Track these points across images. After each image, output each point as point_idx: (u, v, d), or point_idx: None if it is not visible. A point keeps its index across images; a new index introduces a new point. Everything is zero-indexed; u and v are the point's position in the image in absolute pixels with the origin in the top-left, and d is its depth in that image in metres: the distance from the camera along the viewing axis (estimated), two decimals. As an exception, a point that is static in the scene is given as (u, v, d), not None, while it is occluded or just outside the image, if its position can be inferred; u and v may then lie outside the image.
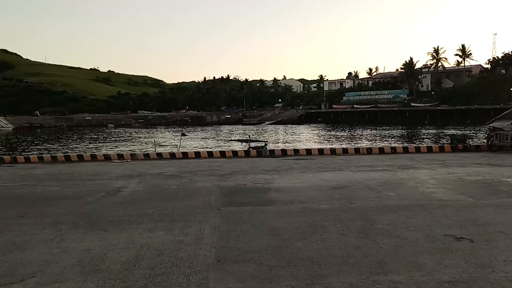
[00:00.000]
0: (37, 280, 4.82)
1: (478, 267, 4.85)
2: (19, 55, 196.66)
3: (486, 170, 12.94)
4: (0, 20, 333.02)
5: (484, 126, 35.34)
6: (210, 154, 20.06)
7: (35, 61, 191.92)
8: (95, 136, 59.75)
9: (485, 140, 21.39)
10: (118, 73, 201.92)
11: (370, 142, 41.66)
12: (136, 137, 58.70)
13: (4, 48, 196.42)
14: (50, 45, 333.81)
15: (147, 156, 19.82)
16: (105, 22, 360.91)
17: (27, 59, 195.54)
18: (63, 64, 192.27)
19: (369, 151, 20.22)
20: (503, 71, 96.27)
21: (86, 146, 42.20)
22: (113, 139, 55.01)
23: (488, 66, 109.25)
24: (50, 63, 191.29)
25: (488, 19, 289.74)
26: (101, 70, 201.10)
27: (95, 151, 33.81)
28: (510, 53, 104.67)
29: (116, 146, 41.39)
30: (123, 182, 11.99)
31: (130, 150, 31.81)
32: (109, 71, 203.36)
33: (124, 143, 47.19)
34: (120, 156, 19.60)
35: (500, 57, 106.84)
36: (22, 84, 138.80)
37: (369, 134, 57.15)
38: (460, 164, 14.39)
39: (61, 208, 8.61)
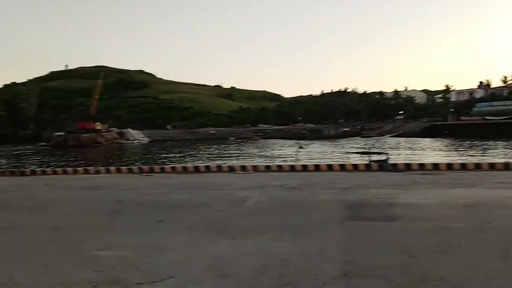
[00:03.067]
0: (176, 280, 5.26)
1: None
2: (154, 75, 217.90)
3: None
4: (138, 45, 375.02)
5: None
6: (330, 167, 19.90)
7: (167, 80, 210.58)
8: (216, 150, 63.17)
9: None
10: (239, 89, 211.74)
11: (506, 157, 37.55)
12: (255, 149, 60.70)
13: (141, 69, 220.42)
14: (179, 65, 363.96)
15: (268, 168, 20.41)
16: (226, 40, 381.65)
17: (160, 78, 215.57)
18: (191, 82, 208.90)
19: (507, 166, 18.23)
20: None
21: (210, 158, 44.79)
22: (234, 151, 57.59)
23: None
24: (180, 81, 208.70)
25: None
26: (224, 87, 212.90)
27: (220, 162, 35.73)
28: None
29: (238, 158, 43.31)
30: (246, 192, 12.49)
31: (252, 162, 32.97)
32: (231, 87, 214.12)
33: (245, 155, 49.13)
34: (243, 168, 20.49)
35: None
36: (156, 101, 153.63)
37: (505, 148, 51.61)
38: None
39: (193, 215, 9.29)
